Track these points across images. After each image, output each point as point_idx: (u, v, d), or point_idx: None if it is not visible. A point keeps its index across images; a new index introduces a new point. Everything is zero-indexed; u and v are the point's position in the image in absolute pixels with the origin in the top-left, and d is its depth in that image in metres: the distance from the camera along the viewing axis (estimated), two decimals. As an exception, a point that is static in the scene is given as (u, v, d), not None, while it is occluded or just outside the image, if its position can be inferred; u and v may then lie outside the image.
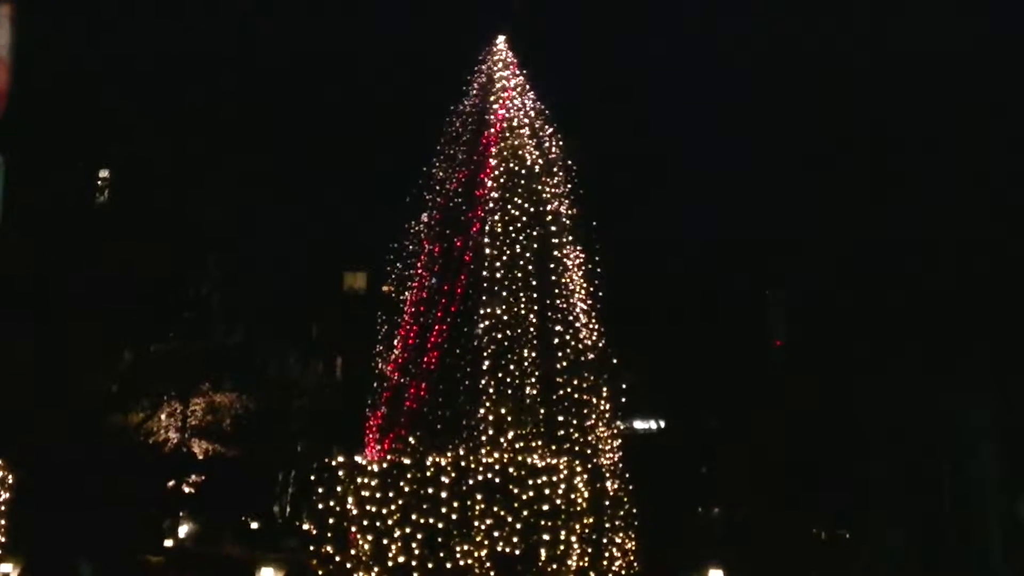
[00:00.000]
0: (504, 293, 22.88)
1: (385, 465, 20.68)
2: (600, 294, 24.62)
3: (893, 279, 30.11)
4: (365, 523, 20.30)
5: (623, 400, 24.71)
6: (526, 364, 22.35)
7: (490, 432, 21.67)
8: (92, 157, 30.26)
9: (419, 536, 19.98)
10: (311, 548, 20.81)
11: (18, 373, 26.67)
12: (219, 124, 31.19)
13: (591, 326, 24.18)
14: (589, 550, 21.60)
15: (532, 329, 22.81)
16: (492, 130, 24.73)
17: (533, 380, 22.33)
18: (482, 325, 22.55)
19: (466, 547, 19.76)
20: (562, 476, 19.96)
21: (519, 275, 23.20)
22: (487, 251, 23.27)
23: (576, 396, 22.87)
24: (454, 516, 19.91)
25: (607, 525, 22.92)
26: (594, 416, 23.29)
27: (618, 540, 23.31)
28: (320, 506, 20.76)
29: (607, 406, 23.85)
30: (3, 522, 24.03)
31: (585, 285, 24.60)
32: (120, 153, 30.97)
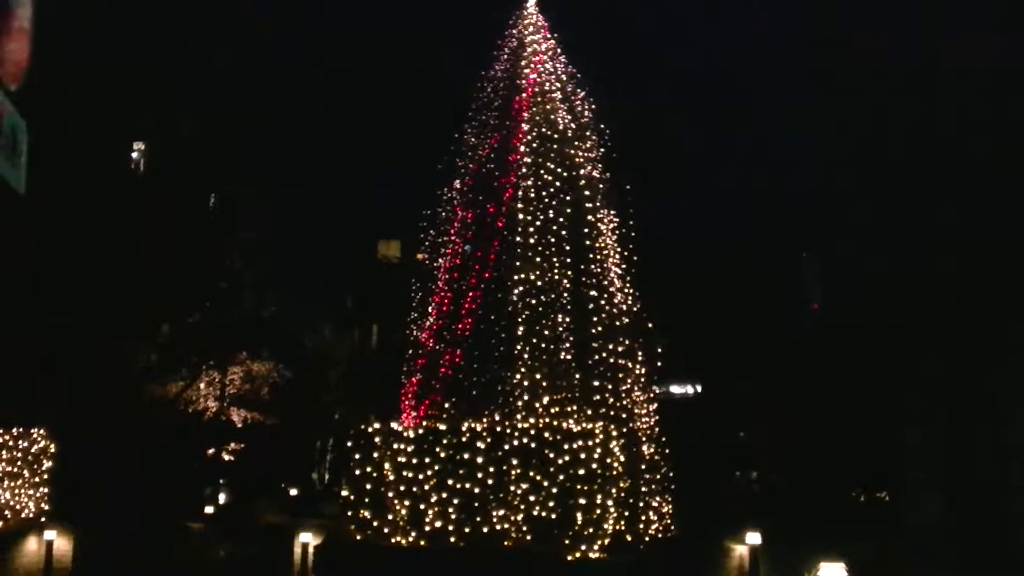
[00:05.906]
0: (538, 259, 22.79)
1: (421, 431, 20.78)
2: (634, 258, 24.46)
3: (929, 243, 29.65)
4: (402, 488, 20.46)
5: (659, 364, 24.61)
6: (560, 329, 22.29)
7: (525, 397, 21.69)
8: (126, 127, 30.41)
9: (455, 501, 20.12)
10: (349, 513, 20.97)
11: (58, 344, 27.02)
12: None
13: (625, 290, 24.07)
14: (626, 514, 21.61)
15: (566, 294, 22.71)
16: (524, 95, 24.54)
17: (567, 345, 22.27)
18: (516, 291, 22.48)
19: (502, 512, 19.86)
20: (597, 440, 19.93)
21: (552, 240, 23.10)
22: (520, 216, 23.17)
23: (611, 361, 22.79)
24: (490, 481, 20.01)
25: (643, 489, 22.92)
26: (629, 381, 23.21)
27: (654, 504, 23.32)
28: (357, 472, 20.92)
29: (642, 370, 23.76)
30: (47, 490, 24.46)
31: (619, 249, 24.45)
32: (153, 123, 31.10)
